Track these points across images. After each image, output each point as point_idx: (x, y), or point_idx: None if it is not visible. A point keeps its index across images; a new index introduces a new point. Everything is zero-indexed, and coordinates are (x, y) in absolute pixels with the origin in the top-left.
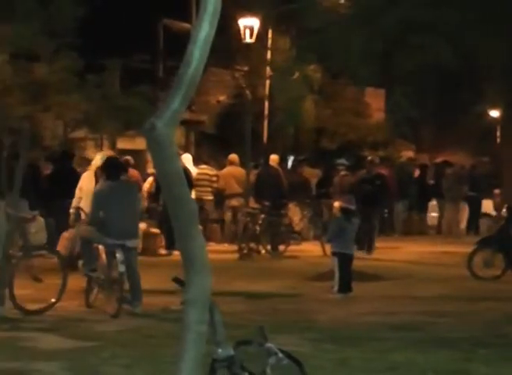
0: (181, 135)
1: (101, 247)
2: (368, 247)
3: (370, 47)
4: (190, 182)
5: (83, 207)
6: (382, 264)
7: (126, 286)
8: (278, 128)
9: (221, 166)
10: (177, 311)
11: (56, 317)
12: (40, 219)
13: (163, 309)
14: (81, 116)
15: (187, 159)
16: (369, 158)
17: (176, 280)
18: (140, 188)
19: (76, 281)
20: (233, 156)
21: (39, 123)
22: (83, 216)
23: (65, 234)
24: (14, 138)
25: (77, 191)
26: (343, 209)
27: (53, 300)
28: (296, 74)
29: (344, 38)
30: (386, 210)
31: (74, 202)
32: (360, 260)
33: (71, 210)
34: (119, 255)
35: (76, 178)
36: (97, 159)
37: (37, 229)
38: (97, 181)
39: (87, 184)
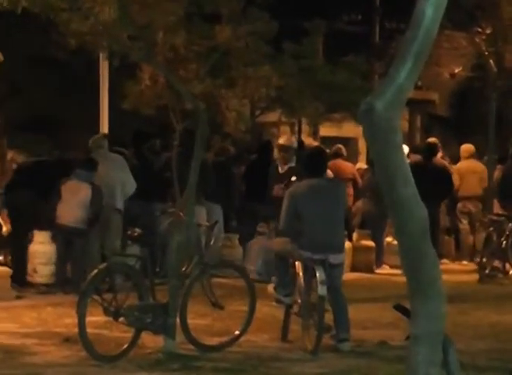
0: (404, 119)
1: (298, 264)
2: None
3: None
4: None
5: None
6: None
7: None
8: None
9: (454, 159)
10: (399, 348)
11: (241, 354)
12: None
13: (380, 345)
14: (274, 94)
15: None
16: None
17: (399, 307)
18: (357, 186)
19: (266, 308)
20: (469, 147)
21: (220, 102)
22: None
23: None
24: (188, 123)
25: None
26: None
27: (237, 332)
28: None
29: None
30: None
31: None
32: None
33: None
34: (319, 274)
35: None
36: None
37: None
38: None
39: None
